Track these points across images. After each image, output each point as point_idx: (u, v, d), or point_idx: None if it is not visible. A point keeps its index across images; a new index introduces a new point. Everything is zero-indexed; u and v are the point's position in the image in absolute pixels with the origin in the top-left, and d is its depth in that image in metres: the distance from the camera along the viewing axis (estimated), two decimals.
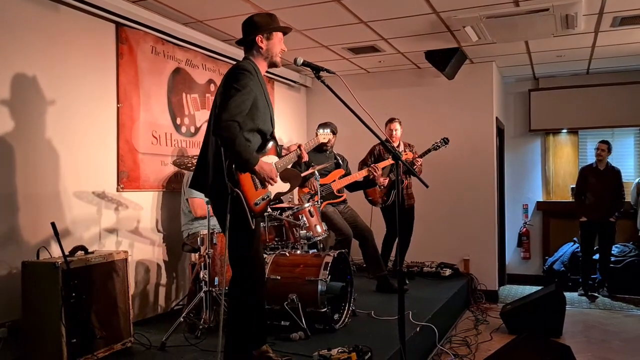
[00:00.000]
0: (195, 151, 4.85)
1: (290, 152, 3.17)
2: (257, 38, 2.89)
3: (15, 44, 3.46)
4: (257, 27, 2.90)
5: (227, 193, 2.69)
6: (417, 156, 5.39)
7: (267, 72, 6.16)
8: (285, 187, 3.12)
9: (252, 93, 2.76)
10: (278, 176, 2.95)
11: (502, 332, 5.07)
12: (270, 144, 2.97)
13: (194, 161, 3.85)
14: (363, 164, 5.54)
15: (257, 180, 2.83)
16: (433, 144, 5.48)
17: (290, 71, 6.57)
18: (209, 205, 3.80)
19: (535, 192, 7.69)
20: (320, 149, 5.32)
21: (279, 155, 3.08)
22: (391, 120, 5.56)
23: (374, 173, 5.22)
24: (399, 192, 2.82)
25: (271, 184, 2.90)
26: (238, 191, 2.69)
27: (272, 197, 2.97)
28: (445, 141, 5.50)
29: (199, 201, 4.27)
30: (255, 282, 2.92)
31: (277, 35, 2.97)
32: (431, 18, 4.76)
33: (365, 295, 4.95)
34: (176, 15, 4.53)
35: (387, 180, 5.36)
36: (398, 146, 5.56)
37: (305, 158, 3.22)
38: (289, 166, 3.20)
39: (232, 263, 2.87)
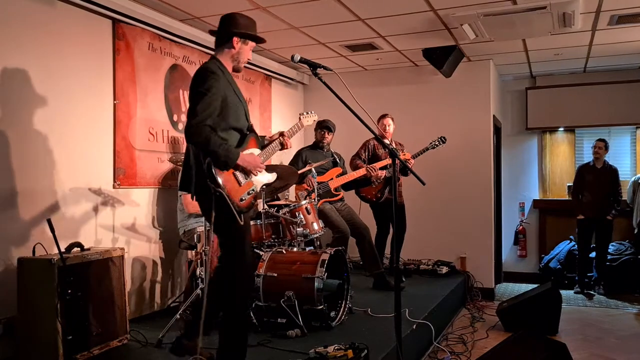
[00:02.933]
0: None
1: (272, 141, 3.14)
2: (234, 38, 2.87)
3: (11, 39, 3.44)
4: (237, 27, 2.87)
5: (210, 193, 2.69)
6: (409, 157, 5.37)
7: (264, 69, 6.19)
8: (272, 177, 3.09)
9: (219, 94, 2.75)
10: (264, 164, 2.95)
11: (498, 330, 5.08)
12: (249, 138, 2.95)
13: None
14: (356, 157, 5.53)
15: (239, 176, 2.82)
16: (430, 143, 5.47)
17: (287, 68, 6.56)
18: None
19: (531, 190, 7.71)
20: (317, 146, 5.33)
21: (261, 147, 3.06)
22: (384, 116, 5.54)
23: (372, 173, 5.22)
24: (395, 189, 2.82)
25: (258, 173, 2.90)
26: (220, 190, 2.68)
27: (257, 189, 2.95)
28: (443, 140, 5.48)
29: (190, 198, 4.27)
30: (248, 276, 2.94)
31: (251, 44, 2.96)
32: (429, 15, 4.76)
33: (362, 292, 4.96)
34: (173, 11, 4.51)
35: (382, 175, 5.34)
36: (390, 143, 5.54)
37: (289, 145, 3.18)
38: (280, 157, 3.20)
39: (225, 259, 2.86)
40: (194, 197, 2.86)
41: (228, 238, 2.83)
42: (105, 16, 4.11)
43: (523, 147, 7.75)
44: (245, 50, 2.92)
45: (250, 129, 2.99)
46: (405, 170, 5.18)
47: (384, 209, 5.59)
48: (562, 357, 3.33)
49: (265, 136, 3.20)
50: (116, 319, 3.50)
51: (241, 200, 2.80)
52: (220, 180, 2.70)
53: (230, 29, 2.87)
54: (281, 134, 3.17)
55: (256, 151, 2.98)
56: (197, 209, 4.01)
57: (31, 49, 3.57)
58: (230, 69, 2.93)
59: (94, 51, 4.06)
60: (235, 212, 2.71)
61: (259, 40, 2.98)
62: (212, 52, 5.18)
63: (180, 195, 4.40)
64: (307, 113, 3.74)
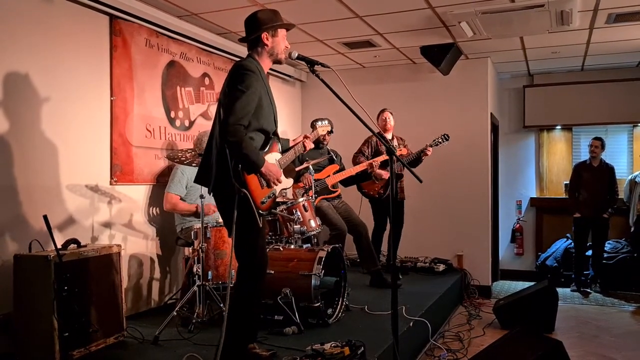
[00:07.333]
0: (189, 145, 4.84)
1: (296, 144, 3.25)
2: (262, 35, 2.89)
3: (8, 36, 3.43)
4: (262, 24, 2.89)
5: (233, 193, 2.71)
6: (428, 145, 5.37)
7: None
8: (289, 182, 3.18)
9: (257, 93, 2.78)
10: (282, 176, 3.00)
11: (494, 327, 5.09)
12: (272, 142, 3.01)
13: (188, 155, 3.84)
14: (360, 154, 5.52)
15: (262, 180, 2.87)
16: (434, 140, 5.44)
17: (285, 65, 6.54)
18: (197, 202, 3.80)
19: (528, 188, 7.72)
20: (316, 144, 5.32)
21: (281, 152, 3.13)
22: (383, 111, 5.57)
23: (374, 169, 5.22)
24: (394, 185, 2.82)
25: (277, 185, 2.94)
26: (245, 192, 2.72)
27: (277, 193, 3.02)
28: (446, 137, 5.45)
29: (172, 196, 4.30)
30: (260, 277, 2.94)
31: (282, 32, 2.97)
32: (427, 13, 4.76)
33: (359, 290, 4.96)
34: (171, 8, 4.50)
35: (388, 174, 5.34)
36: (392, 139, 5.55)
37: (310, 147, 3.32)
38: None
39: (240, 260, 2.88)
40: (211, 193, 2.88)
41: (245, 238, 2.83)
42: (103, 12, 4.10)
43: (520, 145, 7.76)
44: (278, 42, 2.94)
45: (275, 133, 3.03)
46: (415, 162, 5.32)
47: (384, 205, 5.58)
48: (558, 354, 3.34)
49: (288, 140, 3.29)
50: (113, 315, 3.49)
51: (262, 203, 2.85)
52: (245, 181, 2.74)
53: (256, 27, 2.89)
54: (305, 137, 3.30)
55: (277, 155, 3.05)
56: (172, 207, 4.23)
57: (28, 45, 3.55)
58: (267, 68, 2.97)
59: (91, 47, 4.04)
60: (256, 214, 2.76)
61: (286, 26, 2.99)
62: (209, 49, 5.26)
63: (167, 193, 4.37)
64: (322, 122, 3.80)
